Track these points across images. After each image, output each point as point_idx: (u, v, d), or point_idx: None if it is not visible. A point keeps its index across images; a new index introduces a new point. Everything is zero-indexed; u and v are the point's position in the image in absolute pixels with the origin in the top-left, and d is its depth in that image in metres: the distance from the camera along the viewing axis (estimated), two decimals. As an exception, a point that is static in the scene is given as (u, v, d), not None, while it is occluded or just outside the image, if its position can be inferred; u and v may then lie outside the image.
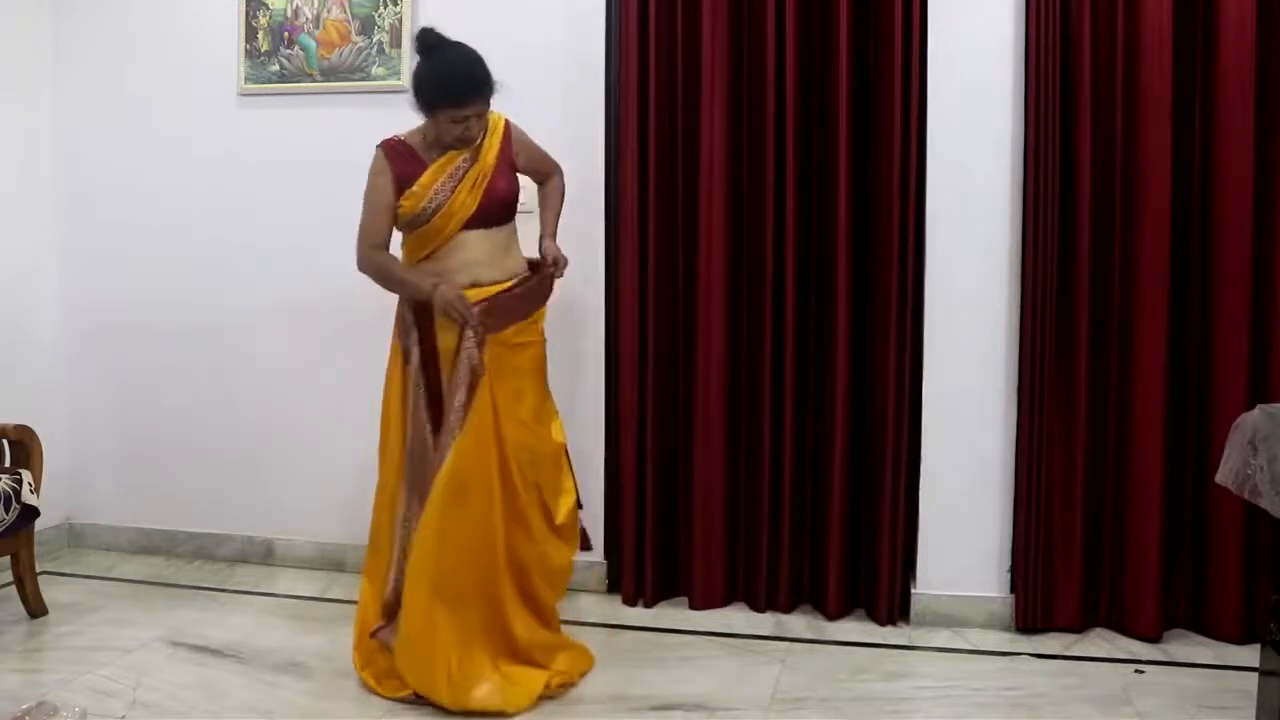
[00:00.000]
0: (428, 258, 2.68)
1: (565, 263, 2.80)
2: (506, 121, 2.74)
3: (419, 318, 2.66)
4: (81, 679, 2.72)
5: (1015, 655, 2.90)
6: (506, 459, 2.64)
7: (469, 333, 2.57)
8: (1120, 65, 2.88)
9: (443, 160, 2.65)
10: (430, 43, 2.61)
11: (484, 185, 2.64)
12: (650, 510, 3.25)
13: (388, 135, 2.70)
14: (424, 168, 2.64)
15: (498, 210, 2.68)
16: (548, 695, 2.62)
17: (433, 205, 2.63)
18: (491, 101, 2.64)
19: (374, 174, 2.68)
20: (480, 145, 2.67)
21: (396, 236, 2.74)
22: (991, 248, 3.01)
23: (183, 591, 3.45)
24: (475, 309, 2.57)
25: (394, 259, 2.72)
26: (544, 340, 2.81)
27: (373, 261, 2.70)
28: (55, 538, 3.81)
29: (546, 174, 2.91)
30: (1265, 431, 1.93)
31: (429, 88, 2.59)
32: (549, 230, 2.87)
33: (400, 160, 2.66)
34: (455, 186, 2.63)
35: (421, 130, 2.68)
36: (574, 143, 2.79)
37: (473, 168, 2.65)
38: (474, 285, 2.64)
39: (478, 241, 2.66)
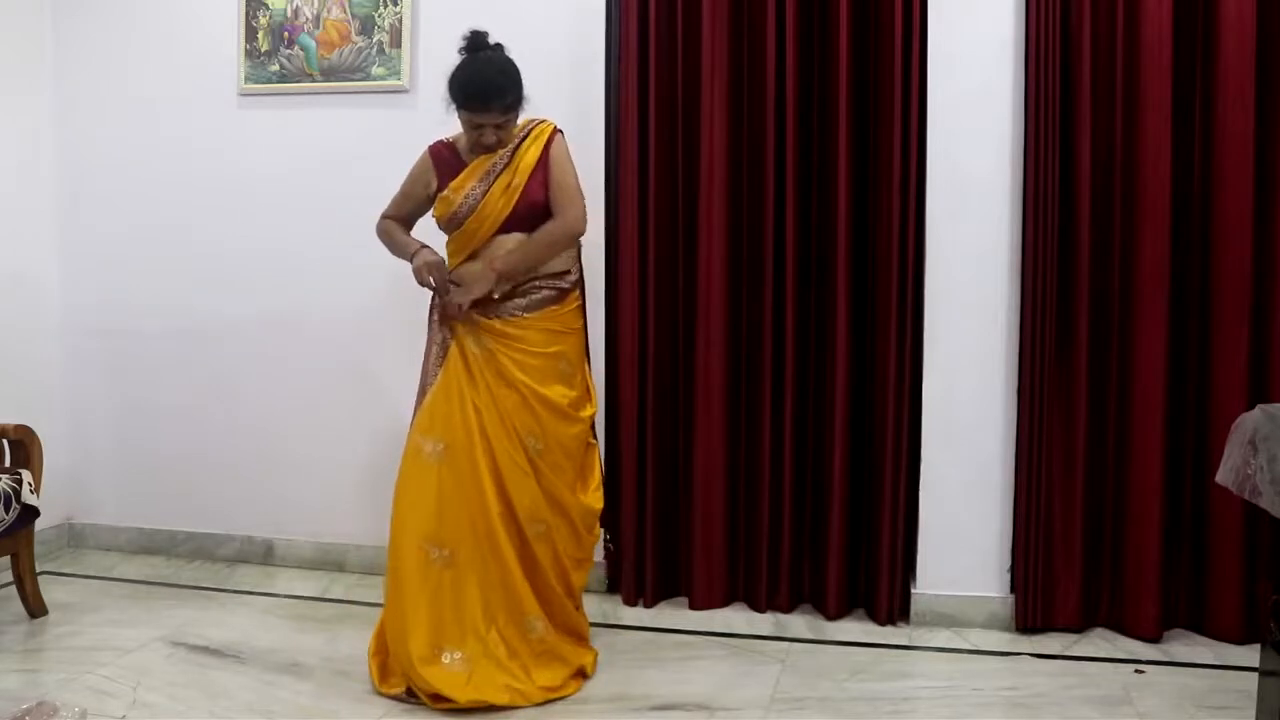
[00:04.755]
0: (470, 259, 2.70)
1: (457, 307, 2.63)
2: (553, 133, 2.72)
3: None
4: (81, 679, 2.72)
5: (1015, 655, 2.90)
6: (515, 432, 2.65)
7: (439, 299, 2.71)
8: (1120, 65, 2.88)
9: (477, 163, 2.68)
10: (470, 44, 2.65)
11: (518, 190, 2.65)
12: (650, 510, 3.25)
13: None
14: (463, 169, 2.68)
15: (532, 215, 2.67)
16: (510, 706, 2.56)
17: (465, 208, 2.65)
18: (516, 116, 2.65)
19: (416, 165, 2.79)
20: (517, 149, 2.67)
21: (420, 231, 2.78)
22: (991, 247, 3.01)
23: (183, 591, 3.45)
24: (450, 278, 2.66)
25: (399, 226, 2.82)
26: (546, 353, 2.72)
27: (381, 226, 2.84)
28: (55, 538, 3.81)
29: (555, 211, 2.67)
30: (1265, 431, 1.93)
31: (452, 88, 2.62)
32: (497, 259, 2.63)
33: (443, 162, 2.73)
34: (488, 189, 2.65)
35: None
36: (574, 142, 2.78)
37: (505, 171, 2.66)
38: (515, 287, 2.67)
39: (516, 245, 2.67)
